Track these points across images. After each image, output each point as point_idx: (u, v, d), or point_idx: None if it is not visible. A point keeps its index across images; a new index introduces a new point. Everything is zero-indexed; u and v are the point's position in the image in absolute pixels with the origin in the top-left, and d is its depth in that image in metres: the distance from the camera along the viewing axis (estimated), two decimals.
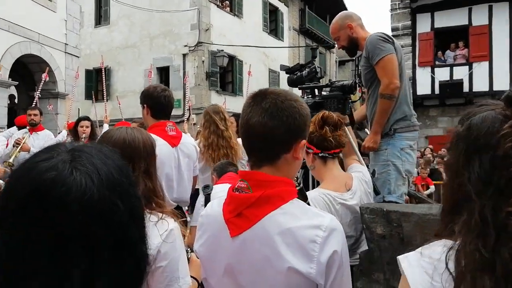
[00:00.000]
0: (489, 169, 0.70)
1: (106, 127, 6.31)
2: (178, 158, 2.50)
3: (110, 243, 0.53)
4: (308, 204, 1.23)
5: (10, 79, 8.85)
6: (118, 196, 0.55)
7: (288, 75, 2.62)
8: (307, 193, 1.71)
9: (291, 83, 2.57)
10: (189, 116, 9.46)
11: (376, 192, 2.03)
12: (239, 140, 3.70)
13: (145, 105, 2.54)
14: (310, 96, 2.36)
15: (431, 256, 0.74)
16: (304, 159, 2.15)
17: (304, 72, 2.50)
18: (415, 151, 2.52)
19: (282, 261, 0.91)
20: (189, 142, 2.73)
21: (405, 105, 2.44)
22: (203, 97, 13.52)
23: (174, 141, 2.49)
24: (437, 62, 12.41)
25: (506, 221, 0.66)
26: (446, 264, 0.71)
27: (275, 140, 0.98)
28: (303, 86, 2.42)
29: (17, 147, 4.80)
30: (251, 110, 1.00)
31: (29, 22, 9.06)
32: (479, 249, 0.67)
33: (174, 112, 12.15)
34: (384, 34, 2.43)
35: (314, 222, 0.93)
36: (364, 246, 1.85)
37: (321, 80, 2.57)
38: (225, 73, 15.19)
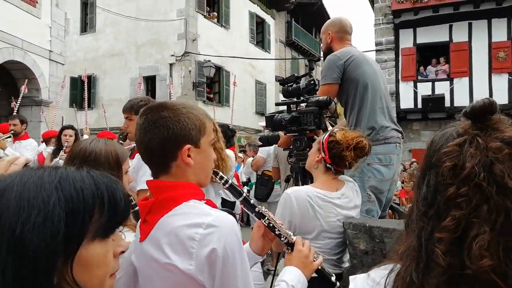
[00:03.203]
0: (434, 189, 0.66)
1: (85, 138, 6.21)
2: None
3: None
4: (246, 198, 1.22)
5: None
6: None
7: (283, 86, 2.67)
8: (295, 188, 1.79)
9: (288, 94, 2.62)
10: None
11: None
12: (229, 152, 3.69)
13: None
14: (286, 111, 2.41)
15: (374, 279, 0.72)
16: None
17: (301, 84, 2.56)
18: (390, 165, 2.39)
19: (166, 260, 0.95)
20: None
21: (374, 119, 2.40)
22: None
23: None
24: (419, 77, 12.70)
25: (433, 247, 0.63)
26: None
27: (155, 153, 1.03)
28: (279, 102, 2.47)
29: None
30: (136, 129, 1.08)
31: (12, 28, 8.91)
32: (412, 274, 0.64)
33: None
34: (338, 57, 2.44)
35: (197, 220, 0.94)
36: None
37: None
38: (212, 84, 15.21)
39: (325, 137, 1.82)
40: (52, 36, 10.24)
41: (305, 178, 2.21)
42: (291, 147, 2.43)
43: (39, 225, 0.55)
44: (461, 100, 11.93)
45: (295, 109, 2.45)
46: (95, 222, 0.61)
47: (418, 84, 12.56)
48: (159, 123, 1.02)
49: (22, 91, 7.56)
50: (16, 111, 7.41)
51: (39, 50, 9.82)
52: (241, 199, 1.21)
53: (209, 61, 13.73)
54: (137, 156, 2.41)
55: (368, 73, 2.45)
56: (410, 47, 12.67)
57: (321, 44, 2.78)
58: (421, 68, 12.78)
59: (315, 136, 2.26)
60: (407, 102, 12.58)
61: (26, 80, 8.29)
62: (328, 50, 2.64)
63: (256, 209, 1.22)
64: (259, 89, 17.76)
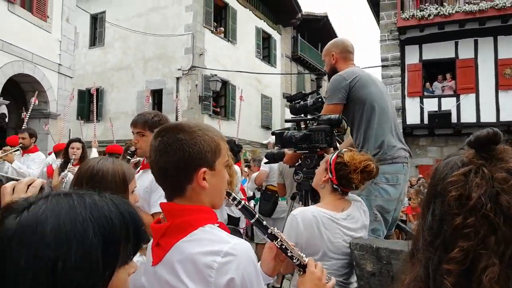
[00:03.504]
0: (440, 218, 0.65)
1: (94, 151, 6.27)
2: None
3: None
4: (259, 219, 1.20)
5: (1, 98, 8.80)
6: None
7: (290, 103, 2.68)
8: (301, 209, 1.78)
9: (295, 111, 2.62)
10: None
11: None
12: (235, 167, 3.68)
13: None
14: (295, 128, 2.40)
15: None
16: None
17: (309, 101, 2.57)
18: (397, 185, 2.37)
19: (183, 287, 0.93)
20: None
21: (382, 138, 2.39)
22: (196, 120, 13.56)
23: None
24: (425, 93, 12.70)
25: (442, 279, 0.61)
26: None
27: (170, 175, 1.03)
28: (289, 119, 2.47)
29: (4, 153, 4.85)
30: (150, 150, 1.07)
31: (23, 42, 9.09)
32: None
33: None
34: (344, 77, 2.44)
35: (215, 248, 0.94)
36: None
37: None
38: (218, 97, 15.31)
39: (332, 158, 1.81)
40: (62, 50, 10.43)
41: (315, 196, 2.19)
42: (297, 164, 2.42)
43: (80, 260, 0.54)
44: (468, 116, 11.90)
45: (304, 126, 2.45)
46: (123, 250, 0.62)
47: (424, 100, 12.55)
48: (175, 146, 1.02)
49: (32, 103, 7.67)
50: (25, 123, 7.51)
51: (49, 64, 9.99)
52: (253, 220, 1.20)
53: (215, 75, 13.85)
54: (151, 177, 2.30)
55: (374, 93, 2.46)
56: (416, 63, 12.71)
57: (325, 66, 2.76)
58: (427, 84, 12.79)
59: (325, 154, 2.26)
60: (413, 118, 12.55)
61: (37, 92, 8.42)
62: (333, 71, 2.64)
63: (269, 231, 1.21)
64: (265, 103, 17.84)
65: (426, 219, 0.68)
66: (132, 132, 2.32)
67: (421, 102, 12.57)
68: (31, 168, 5.17)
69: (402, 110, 12.65)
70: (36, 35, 9.49)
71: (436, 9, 11.81)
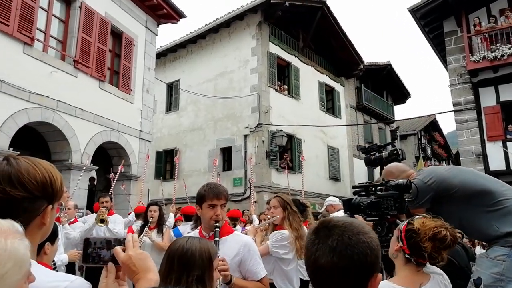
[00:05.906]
0: None
1: (171, 216, 6.58)
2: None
3: None
4: None
5: (91, 164, 9.86)
6: None
7: (365, 155, 2.69)
8: None
9: (369, 163, 2.62)
10: (250, 194, 9.69)
11: None
12: (304, 228, 3.71)
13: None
14: (364, 194, 2.36)
15: None
16: None
17: (383, 153, 2.57)
18: None
19: None
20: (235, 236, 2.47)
21: None
22: (263, 175, 13.82)
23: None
24: (508, 136, 11.72)
25: None
26: None
27: (348, 282, 0.90)
28: (356, 185, 2.44)
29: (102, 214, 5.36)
30: (317, 249, 0.93)
31: (110, 113, 10.27)
32: None
33: (236, 190, 12.53)
34: (421, 180, 2.39)
35: None
36: None
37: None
38: (285, 151, 15.56)
39: (403, 225, 1.77)
40: (143, 117, 11.56)
41: (389, 266, 2.11)
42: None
43: None
44: None
45: (372, 191, 2.41)
46: None
47: (508, 144, 11.56)
48: (359, 249, 0.90)
49: (119, 171, 8.48)
50: (112, 186, 8.29)
51: (131, 131, 11.09)
52: None
53: (281, 130, 14.22)
54: (236, 245, 2.32)
55: (470, 176, 2.38)
56: (494, 105, 11.92)
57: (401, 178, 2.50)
58: (509, 126, 11.83)
59: (397, 221, 2.19)
60: (497, 163, 11.55)
61: (123, 160, 9.32)
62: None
63: None
64: (332, 154, 17.69)
65: None
66: (212, 205, 2.29)
67: (504, 145, 11.58)
68: (118, 228, 5.70)
69: (483, 156, 11.74)
70: (121, 107, 10.71)
71: (510, 48, 11.20)
